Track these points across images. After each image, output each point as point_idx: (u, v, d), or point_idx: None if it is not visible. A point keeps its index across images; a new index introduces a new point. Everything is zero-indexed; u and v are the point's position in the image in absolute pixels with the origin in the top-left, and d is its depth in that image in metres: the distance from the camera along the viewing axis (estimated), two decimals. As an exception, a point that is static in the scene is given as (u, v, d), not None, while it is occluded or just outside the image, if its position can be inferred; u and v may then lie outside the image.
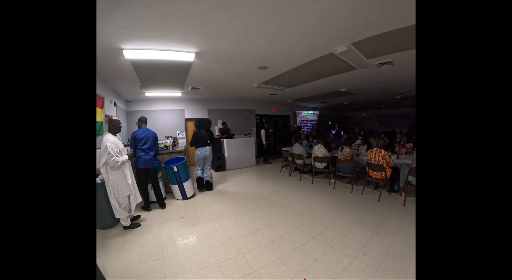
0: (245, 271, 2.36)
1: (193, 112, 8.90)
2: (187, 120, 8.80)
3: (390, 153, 5.07)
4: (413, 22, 2.88)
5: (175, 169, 4.59)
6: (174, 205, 4.48)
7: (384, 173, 4.61)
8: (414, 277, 2.22)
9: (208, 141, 5.42)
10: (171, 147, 5.75)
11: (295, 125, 12.65)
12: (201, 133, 5.37)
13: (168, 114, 8.39)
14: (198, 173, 5.50)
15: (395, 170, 4.87)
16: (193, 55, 3.70)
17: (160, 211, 4.18)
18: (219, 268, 2.41)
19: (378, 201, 4.52)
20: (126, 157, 3.32)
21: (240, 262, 2.53)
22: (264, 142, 9.25)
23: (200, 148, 5.35)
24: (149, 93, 6.86)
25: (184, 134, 8.49)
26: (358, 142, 7.50)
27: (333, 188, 5.50)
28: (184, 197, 4.79)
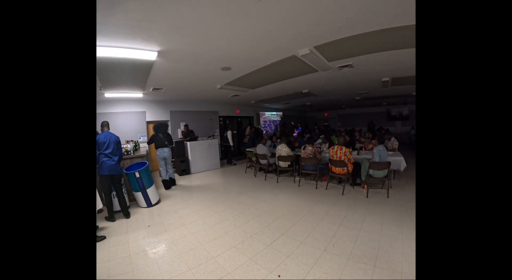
0: (218, 274, 2.35)
1: (155, 115, 8.55)
2: (148, 123, 8.38)
3: (351, 150, 5.36)
4: (372, 28, 3.11)
5: (137, 174, 4.39)
6: (139, 213, 4.28)
7: (346, 168, 4.87)
8: (385, 263, 2.41)
9: (166, 143, 5.80)
10: (132, 152, 5.48)
11: (258, 126, 12.81)
12: (158, 136, 5.77)
13: (128, 116, 7.90)
14: (163, 175, 5.91)
15: (356, 165, 5.20)
16: (156, 54, 3.57)
17: (124, 220, 3.96)
18: (191, 275, 2.37)
19: (342, 194, 4.78)
20: None
21: (212, 266, 2.51)
22: (231, 144, 9.22)
23: (159, 149, 5.78)
24: (108, 94, 6.43)
25: (145, 138, 8.04)
26: (320, 140, 7.80)
27: (298, 186, 5.67)
28: (149, 204, 4.59)
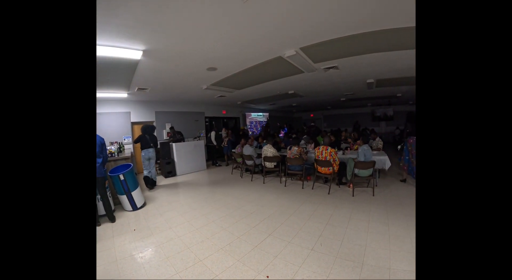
0: (206, 277, 2.34)
1: (140, 115, 8.36)
2: (133, 124, 8.19)
3: (336, 150, 5.45)
4: (357, 31, 3.17)
5: (121, 177, 4.30)
6: (124, 217, 4.19)
7: (331, 168, 4.94)
8: (372, 260, 2.47)
9: (151, 144, 6.08)
10: (116, 154, 5.36)
11: (244, 127, 12.80)
12: (145, 137, 6.04)
13: (112, 117, 7.64)
14: (145, 172, 6.17)
15: (342, 164, 5.29)
16: (141, 53, 3.51)
17: (110, 224, 3.86)
18: (179, 278, 2.34)
19: (328, 194, 4.86)
20: None
21: (200, 269, 2.49)
22: (214, 143, 9.18)
23: (144, 150, 6.05)
24: (92, 94, 6.25)
25: (130, 140, 7.86)
26: (303, 141, 7.88)
27: (285, 186, 5.72)
28: (134, 207, 4.50)
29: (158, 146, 6.51)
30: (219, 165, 9.30)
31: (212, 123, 11.13)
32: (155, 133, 6.41)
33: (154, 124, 8.70)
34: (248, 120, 13.90)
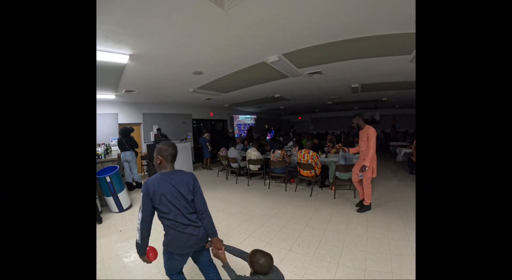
0: (187, 275, 2.44)
1: (128, 117, 8.34)
2: (120, 125, 8.08)
3: (319, 153, 5.62)
4: (337, 38, 3.30)
5: (108, 179, 4.36)
6: (111, 219, 4.27)
7: (313, 171, 5.12)
8: (348, 261, 2.60)
9: (127, 146, 6.25)
10: (103, 155, 5.38)
11: (230, 130, 12.89)
12: (121, 140, 6.24)
13: (100, 118, 7.49)
14: (126, 175, 6.40)
15: (324, 167, 5.47)
16: (127, 57, 3.58)
17: (96, 226, 3.92)
18: (162, 276, 2.46)
19: (310, 196, 5.03)
20: None
21: (182, 268, 2.59)
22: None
23: (122, 152, 6.30)
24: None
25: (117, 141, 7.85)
26: (291, 143, 8.07)
27: (268, 188, 5.89)
28: (121, 209, 4.58)
29: (135, 148, 6.57)
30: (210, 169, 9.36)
31: (200, 125, 11.17)
32: (132, 135, 6.49)
33: (142, 126, 8.75)
34: (235, 123, 13.98)
